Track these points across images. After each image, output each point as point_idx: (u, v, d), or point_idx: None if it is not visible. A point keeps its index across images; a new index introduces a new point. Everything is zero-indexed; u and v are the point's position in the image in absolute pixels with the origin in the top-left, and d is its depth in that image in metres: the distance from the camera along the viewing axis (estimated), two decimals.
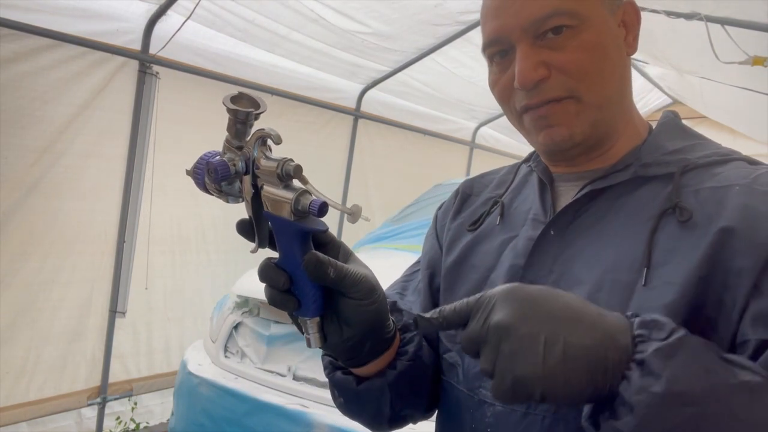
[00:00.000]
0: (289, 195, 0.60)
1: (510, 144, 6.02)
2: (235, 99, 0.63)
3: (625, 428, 0.49)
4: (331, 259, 0.63)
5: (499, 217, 0.81)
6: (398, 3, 3.29)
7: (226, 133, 0.63)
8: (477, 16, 3.64)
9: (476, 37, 3.82)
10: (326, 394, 2.14)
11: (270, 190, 0.61)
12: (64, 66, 2.75)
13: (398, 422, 0.78)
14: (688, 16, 2.71)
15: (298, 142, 3.98)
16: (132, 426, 3.36)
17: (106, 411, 3.21)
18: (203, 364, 2.52)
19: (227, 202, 0.66)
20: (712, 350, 0.52)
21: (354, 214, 0.60)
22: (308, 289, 0.63)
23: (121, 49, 2.95)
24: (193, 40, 3.19)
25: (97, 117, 2.91)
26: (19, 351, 2.80)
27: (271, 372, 2.31)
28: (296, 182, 0.61)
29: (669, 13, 2.78)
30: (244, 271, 3.04)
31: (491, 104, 5.08)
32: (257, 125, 0.63)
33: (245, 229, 0.65)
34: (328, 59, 3.79)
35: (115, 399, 3.25)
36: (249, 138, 0.62)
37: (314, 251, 0.62)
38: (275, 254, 0.65)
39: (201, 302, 3.52)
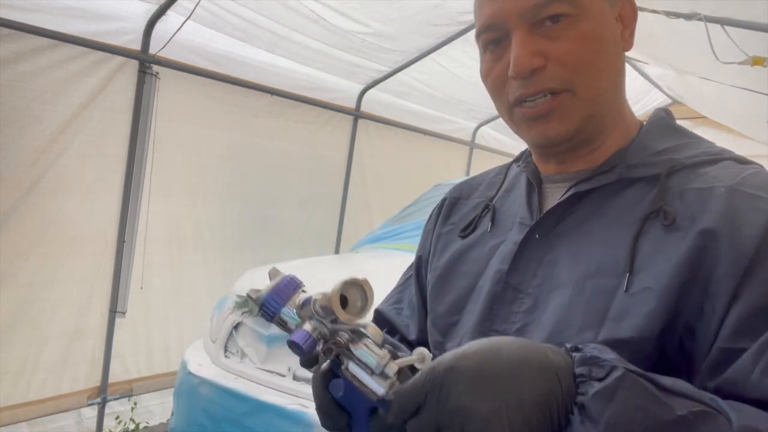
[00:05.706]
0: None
1: (510, 144, 6.02)
2: (346, 286, 0.58)
3: None
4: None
5: (490, 224, 0.80)
6: (398, 3, 3.29)
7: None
8: None
9: None
10: None
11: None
12: (64, 66, 2.75)
13: None
14: (688, 17, 2.71)
15: (298, 142, 3.98)
16: (132, 426, 3.36)
17: (106, 411, 3.21)
18: (203, 364, 2.52)
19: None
20: (650, 384, 0.52)
21: (424, 361, 0.56)
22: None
23: (121, 49, 2.94)
24: (192, 40, 3.18)
25: (96, 117, 2.91)
26: (19, 351, 2.79)
27: (271, 372, 2.31)
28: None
29: (669, 14, 2.77)
30: (244, 271, 3.03)
31: (491, 104, 5.02)
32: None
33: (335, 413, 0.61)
34: (328, 59, 3.79)
35: (115, 399, 3.24)
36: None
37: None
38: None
39: (200, 302, 3.51)
